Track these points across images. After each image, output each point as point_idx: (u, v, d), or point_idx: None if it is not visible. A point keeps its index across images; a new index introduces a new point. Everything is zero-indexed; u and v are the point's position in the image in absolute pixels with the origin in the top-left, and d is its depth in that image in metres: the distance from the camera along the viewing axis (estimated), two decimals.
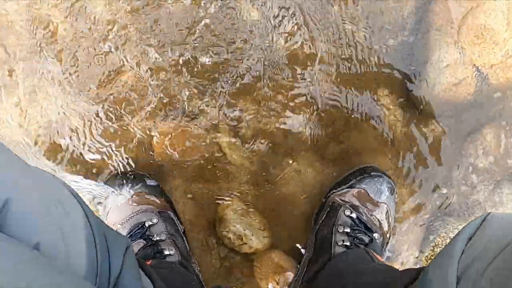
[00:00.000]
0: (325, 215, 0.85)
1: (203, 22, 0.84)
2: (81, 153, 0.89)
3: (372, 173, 0.85)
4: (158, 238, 0.82)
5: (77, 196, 0.52)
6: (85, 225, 0.50)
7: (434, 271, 0.45)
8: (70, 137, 0.89)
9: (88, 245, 0.50)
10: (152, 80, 0.87)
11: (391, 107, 0.88)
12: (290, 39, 0.85)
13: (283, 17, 0.84)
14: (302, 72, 0.86)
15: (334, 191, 0.88)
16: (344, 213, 0.82)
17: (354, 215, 0.81)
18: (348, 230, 0.80)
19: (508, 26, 0.77)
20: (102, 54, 0.87)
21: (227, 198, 0.90)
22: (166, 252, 0.80)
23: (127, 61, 0.86)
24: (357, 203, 0.84)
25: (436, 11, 0.81)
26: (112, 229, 0.59)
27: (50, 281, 0.37)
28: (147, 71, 0.87)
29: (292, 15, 0.84)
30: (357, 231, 0.80)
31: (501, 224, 0.43)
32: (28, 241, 0.41)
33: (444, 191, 0.90)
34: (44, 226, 0.44)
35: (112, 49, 0.86)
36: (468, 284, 0.39)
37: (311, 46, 0.85)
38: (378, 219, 0.84)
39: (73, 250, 0.46)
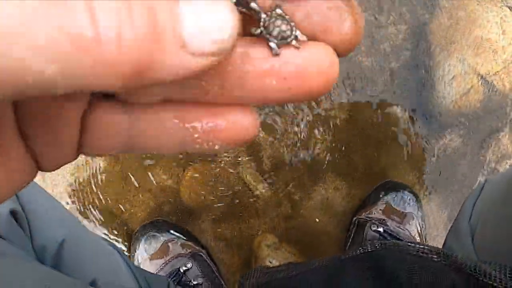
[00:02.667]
0: (353, 234, 0.85)
1: None
2: (106, 207, 0.89)
3: (391, 186, 0.87)
4: (195, 283, 0.81)
5: (110, 243, 0.54)
6: (126, 267, 0.52)
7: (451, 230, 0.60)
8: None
9: (136, 284, 0.51)
10: None
11: (405, 123, 0.90)
12: None
13: None
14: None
15: (360, 210, 0.89)
16: (371, 229, 0.82)
17: (381, 229, 0.82)
18: None
19: (504, 35, 0.82)
20: None
21: (258, 234, 0.90)
22: None
23: None
24: (383, 217, 0.84)
25: (433, 30, 0.86)
26: (151, 272, 0.61)
27: None
28: None
29: None
30: None
31: (491, 187, 0.54)
32: (83, 278, 0.43)
33: None
34: (99, 264, 0.46)
35: None
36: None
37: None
38: (408, 230, 0.84)
39: (128, 286, 0.47)
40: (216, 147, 0.16)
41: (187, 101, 0.15)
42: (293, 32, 0.15)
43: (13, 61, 0.10)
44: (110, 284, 0.46)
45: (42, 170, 0.16)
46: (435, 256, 0.39)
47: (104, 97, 0.16)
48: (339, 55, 0.16)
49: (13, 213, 0.40)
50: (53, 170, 0.16)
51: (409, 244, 0.40)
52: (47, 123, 0.15)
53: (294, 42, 0.15)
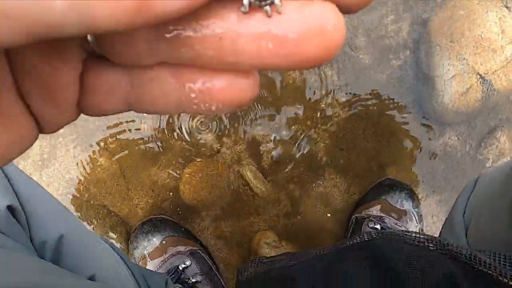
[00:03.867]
0: (351, 231, 0.86)
1: None
2: (104, 204, 0.89)
3: (389, 184, 0.87)
4: (194, 280, 0.81)
5: (107, 241, 0.54)
6: (124, 264, 0.52)
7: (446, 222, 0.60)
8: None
9: (134, 281, 0.51)
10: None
11: (405, 121, 0.91)
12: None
13: None
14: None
15: (359, 207, 0.89)
16: (368, 225, 0.82)
17: (378, 226, 0.82)
18: None
19: (503, 34, 0.82)
20: None
21: (258, 232, 0.90)
22: None
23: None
24: (381, 214, 0.85)
25: (432, 29, 0.87)
26: (149, 269, 0.61)
27: None
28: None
29: None
30: None
31: (486, 181, 0.56)
32: (82, 273, 0.43)
33: None
34: (97, 260, 0.45)
35: None
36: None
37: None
38: (405, 227, 0.84)
39: (129, 284, 0.47)
40: (213, 108, 0.15)
41: (184, 63, 0.15)
42: None
43: None
44: (109, 280, 0.46)
45: (43, 132, 0.16)
46: (431, 245, 0.39)
47: (99, 59, 0.16)
48: (349, 11, 0.14)
49: (10, 209, 0.40)
50: (54, 131, 0.16)
51: (406, 233, 0.41)
52: (44, 83, 0.15)
53: (272, 7, 0.14)
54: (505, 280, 0.36)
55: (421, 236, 0.40)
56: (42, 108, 0.15)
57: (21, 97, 0.15)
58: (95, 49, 0.16)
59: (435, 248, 0.38)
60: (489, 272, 0.36)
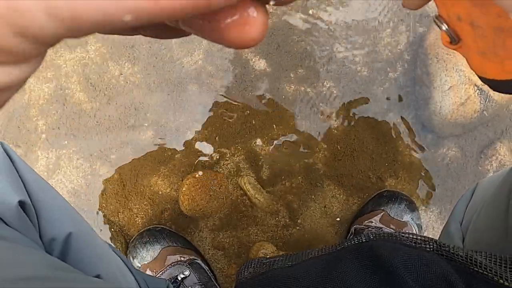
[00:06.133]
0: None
1: None
2: (104, 214, 0.89)
3: (389, 195, 0.87)
4: None
5: (110, 245, 0.55)
6: (127, 268, 0.52)
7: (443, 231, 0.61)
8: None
9: (136, 285, 0.51)
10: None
11: (404, 133, 0.91)
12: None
13: None
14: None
15: (358, 218, 0.88)
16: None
17: None
18: None
19: None
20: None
21: (256, 242, 0.89)
22: None
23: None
24: (380, 225, 0.84)
25: (430, 41, 0.88)
26: (150, 275, 0.61)
27: None
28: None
29: None
30: None
31: (483, 187, 0.56)
32: (87, 272, 0.43)
33: None
34: (103, 261, 0.46)
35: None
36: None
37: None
38: None
39: (133, 286, 0.47)
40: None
41: None
42: None
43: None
44: (114, 281, 0.46)
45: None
46: (428, 246, 0.39)
47: None
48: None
49: (21, 204, 0.41)
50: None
51: (403, 234, 0.41)
52: None
53: None
54: (501, 281, 0.35)
55: (418, 237, 0.40)
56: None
57: None
58: None
59: (431, 249, 0.38)
60: (485, 273, 0.36)
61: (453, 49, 0.31)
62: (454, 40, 0.30)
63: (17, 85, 0.17)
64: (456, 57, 0.84)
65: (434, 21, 0.30)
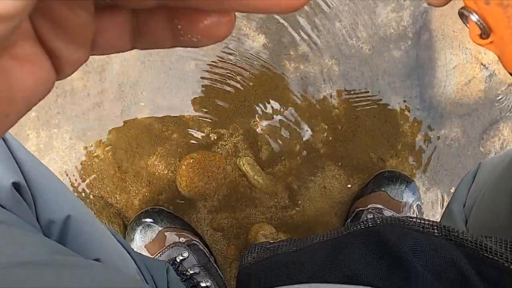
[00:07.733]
0: (349, 223, 0.85)
1: None
2: (101, 196, 0.88)
3: (389, 176, 0.86)
4: (192, 272, 0.80)
5: (109, 228, 0.54)
6: (126, 251, 0.52)
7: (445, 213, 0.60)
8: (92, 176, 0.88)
9: (136, 267, 0.51)
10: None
11: (406, 112, 0.89)
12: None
13: None
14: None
15: (358, 199, 0.88)
16: (367, 217, 0.81)
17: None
18: None
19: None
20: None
21: (255, 224, 0.89)
22: (203, 284, 0.78)
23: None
24: (380, 206, 0.84)
25: (434, 18, 0.85)
26: (149, 257, 0.60)
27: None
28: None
29: None
30: None
31: (486, 168, 0.55)
32: (87, 256, 0.42)
33: None
34: (102, 244, 0.45)
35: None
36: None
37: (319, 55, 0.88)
38: None
39: (132, 269, 0.47)
40: (195, 40, 0.18)
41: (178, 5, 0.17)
42: None
43: None
44: (113, 264, 0.45)
45: (59, 76, 0.18)
46: (436, 231, 0.38)
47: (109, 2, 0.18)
48: None
49: (16, 186, 0.39)
50: (69, 74, 0.18)
51: (410, 219, 0.39)
52: (63, 24, 0.16)
53: None
54: (511, 267, 0.35)
55: (426, 222, 0.38)
56: (61, 49, 0.17)
57: (41, 41, 0.17)
58: None
59: (440, 234, 0.37)
60: (495, 258, 0.35)
61: (484, 45, 0.28)
62: (485, 32, 0.27)
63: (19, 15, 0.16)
64: (462, 35, 0.81)
65: (461, 14, 0.28)
